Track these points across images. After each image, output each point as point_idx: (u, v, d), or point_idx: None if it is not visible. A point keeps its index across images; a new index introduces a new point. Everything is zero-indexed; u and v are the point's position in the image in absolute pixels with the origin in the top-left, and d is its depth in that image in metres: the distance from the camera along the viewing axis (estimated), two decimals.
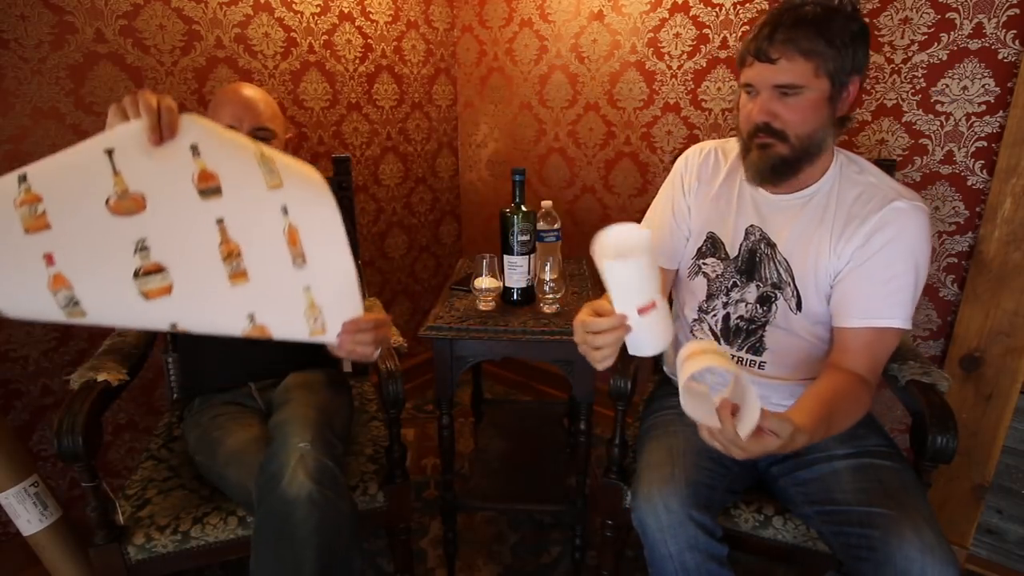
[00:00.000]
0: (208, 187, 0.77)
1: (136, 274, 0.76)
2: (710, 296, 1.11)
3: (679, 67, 1.68)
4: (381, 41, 1.95)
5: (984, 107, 1.26)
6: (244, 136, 0.82)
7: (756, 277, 1.05)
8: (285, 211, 0.81)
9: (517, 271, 1.30)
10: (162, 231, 0.77)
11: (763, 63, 0.90)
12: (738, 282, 1.07)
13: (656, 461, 1.00)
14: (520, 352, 1.28)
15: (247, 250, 0.82)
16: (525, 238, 1.28)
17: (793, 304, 1.02)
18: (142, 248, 0.76)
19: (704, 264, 1.11)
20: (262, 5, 1.62)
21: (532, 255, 1.31)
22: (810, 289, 1.00)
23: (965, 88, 1.27)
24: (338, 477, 0.96)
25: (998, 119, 1.25)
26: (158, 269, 0.78)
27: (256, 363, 1.22)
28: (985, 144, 1.27)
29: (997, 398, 1.34)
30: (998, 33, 1.21)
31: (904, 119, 1.35)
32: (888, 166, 1.23)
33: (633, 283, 0.80)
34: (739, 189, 1.07)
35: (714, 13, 1.58)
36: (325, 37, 1.79)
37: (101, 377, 0.99)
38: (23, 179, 0.71)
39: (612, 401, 1.10)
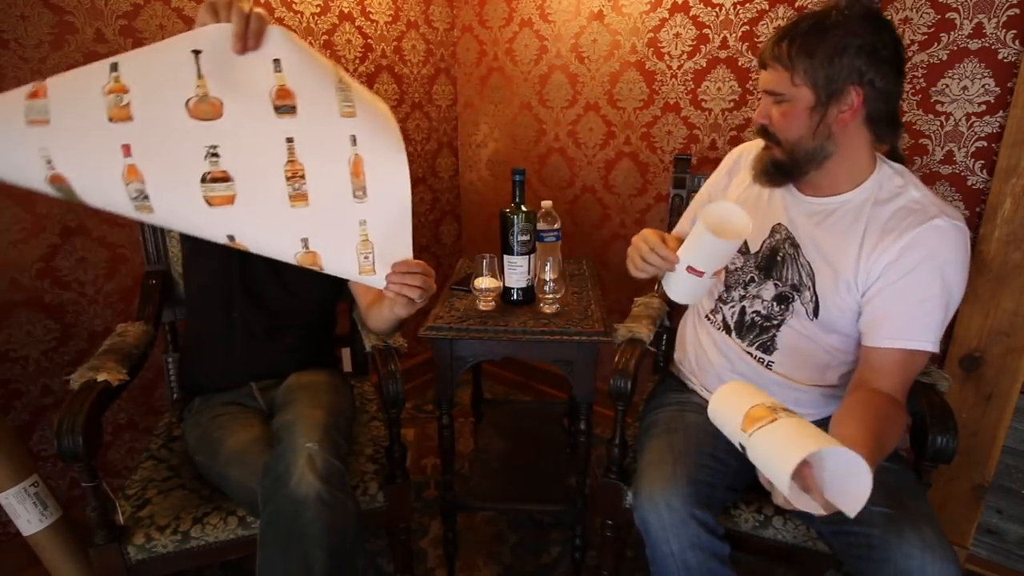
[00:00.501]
0: (284, 104, 0.78)
1: (203, 179, 0.77)
2: (728, 288, 1.12)
3: (679, 67, 1.67)
4: (381, 41, 1.95)
5: (984, 107, 1.26)
6: (325, 58, 0.82)
7: (774, 275, 1.05)
8: (353, 141, 0.81)
9: (517, 271, 1.30)
10: (233, 141, 0.78)
11: (762, 69, 0.98)
12: (755, 278, 1.08)
13: (657, 459, 1.00)
14: (520, 352, 1.28)
15: (311, 174, 0.81)
16: (525, 238, 1.28)
17: (810, 309, 1.01)
18: (212, 154, 0.77)
19: None
20: (262, 5, 1.62)
21: (532, 255, 1.31)
22: (829, 297, 0.98)
23: (965, 88, 1.27)
24: (345, 477, 0.96)
25: (998, 119, 1.25)
26: (225, 178, 0.78)
27: (257, 363, 1.22)
28: (985, 144, 1.27)
29: (997, 398, 1.34)
30: (998, 33, 1.21)
31: (904, 119, 1.35)
32: None
33: (704, 251, 0.92)
34: (770, 188, 1.08)
35: (714, 13, 1.58)
36: (325, 37, 1.79)
37: (101, 377, 0.99)
38: (115, 67, 0.73)
39: (612, 401, 1.10)
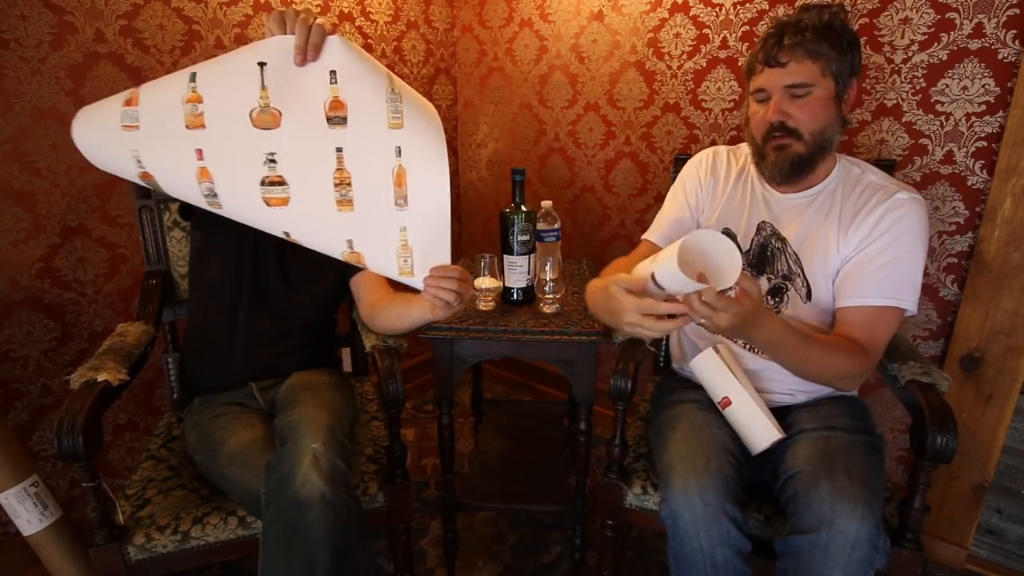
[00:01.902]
0: (336, 116, 0.84)
1: (263, 182, 0.84)
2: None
3: (679, 67, 1.67)
4: (381, 41, 1.95)
5: (984, 107, 1.26)
6: (382, 66, 0.87)
7: (767, 270, 1.11)
8: (399, 152, 0.87)
9: (517, 271, 1.30)
10: (289, 149, 0.84)
11: (773, 68, 0.99)
12: (750, 275, 1.10)
13: (688, 452, 1.00)
14: (520, 352, 1.28)
15: (357, 181, 0.87)
16: (525, 238, 1.28)
17: (803, 294, 1.07)
18: (271, 160, 0.84)
19: None
20: (262, 5, 1.62)
21: (532, 255, 1.31)
22: (819, 279, 1.05)
23: (965, 88, 1.27)
24: (349, 478, 0.96)
25: (998, 119, 1.25)
26: (280, 182, 0.85)
27: (259, 363, 1.22)
28: (985, 144, 1.27)
29: (997, 398, 1.34)
30: (998, 33, 1.21)
31: (904, 119, 1.35)
32: (888, 166, 1.23)
33: (709, 378, 1.05)
34: (751, 188, 1.15)
35: (714, 13, 1.58)
36: None
37: (101, 377, 0.99)
38: (193, 78, 0.81)
39: (612, 401, 1.10)
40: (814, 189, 1.08)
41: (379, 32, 1.93)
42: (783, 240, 1.09)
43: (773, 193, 1.12)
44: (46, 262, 1.37)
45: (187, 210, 1.20)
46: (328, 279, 1.29)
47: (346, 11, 1.82)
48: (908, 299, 0.98)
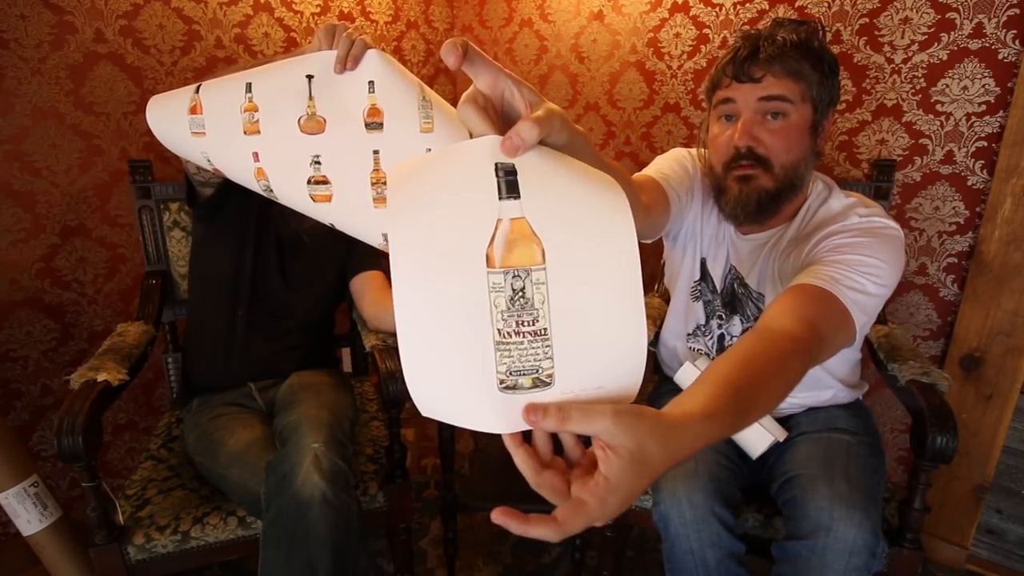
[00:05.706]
0: (373, 121, 0.93)
1: (309, 181, 0.93)
2: (707, 317, 1.13)
3: (679, 67, 1.67)
4: (381, 41, 1.95)
5: (984, 107, 1.26)
6: (414, 76, 0.96)
7: (739, 312, 1.07)
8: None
9: None
10: (332, 152, 0.93)
11: (744, 83, 0.87)
12: (723, 315, 1.09)
13: None
14: None
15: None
16: None
17: None
18: (316, 162, 0.93)
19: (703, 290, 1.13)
20: (262, 5, 1.62)
21: None
22: None
23: (965, 88, 1.27)
24: (349, 478, 0.97)
25: (998, 119, 1.25)
26: (324, 181, 0.94)
27: (256, 362, 1.22)
28: (985, 144, 1.27)
29: (997, 398, 1.34)
30: (998, 33, 1.21)
31: (904, 119, 1.35)
32: (888, 166, 1.23)
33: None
34: (723, 225, 1.06)
35: (714, 13, 1.58)
36: None
37: (101, 377, 0.99)
38: (249, 88, 0.91)
39: None
40: (778, 229, 0.98)
41: (379, 32, 1.93)
42: (746, 285, 1.04)
43: (737, 233, 1.03)
44: (46, 262, 1.37)
45: (192, 198, 1.20)
46: (328, 279, 1.29)
47: (346, 11, 1.82)
48: (854, 307, 0.76)
